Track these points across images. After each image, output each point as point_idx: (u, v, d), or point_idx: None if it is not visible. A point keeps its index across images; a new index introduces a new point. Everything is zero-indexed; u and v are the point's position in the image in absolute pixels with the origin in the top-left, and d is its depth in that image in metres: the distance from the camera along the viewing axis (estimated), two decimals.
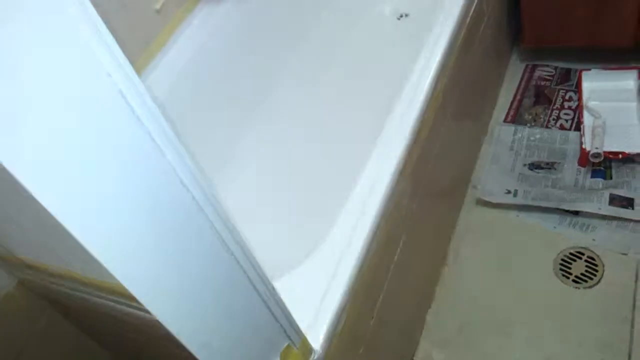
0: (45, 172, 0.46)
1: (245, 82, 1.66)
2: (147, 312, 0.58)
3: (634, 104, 1.67)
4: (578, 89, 1.75)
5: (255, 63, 1.70)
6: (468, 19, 1.44)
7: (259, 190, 1.60)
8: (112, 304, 0.79)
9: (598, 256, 1.47)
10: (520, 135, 1.75)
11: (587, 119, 1.68)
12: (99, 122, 0.49)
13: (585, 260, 1.47)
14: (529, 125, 1.76)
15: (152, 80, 1.41)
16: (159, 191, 0.55)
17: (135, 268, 0.55)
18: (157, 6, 1.44)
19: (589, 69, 1.76)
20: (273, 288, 0.76)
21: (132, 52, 1.40)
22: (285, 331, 0.81)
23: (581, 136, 1.64)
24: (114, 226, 0.52)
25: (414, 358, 1.42)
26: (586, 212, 1.53)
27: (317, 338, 0.93)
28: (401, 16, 1.95)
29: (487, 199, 1.62)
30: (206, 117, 1.55)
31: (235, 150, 1.64)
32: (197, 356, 0.65)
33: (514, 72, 1.90)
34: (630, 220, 1.49)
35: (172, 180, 0.57)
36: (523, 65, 1.91)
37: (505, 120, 1.80)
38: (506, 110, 1.82)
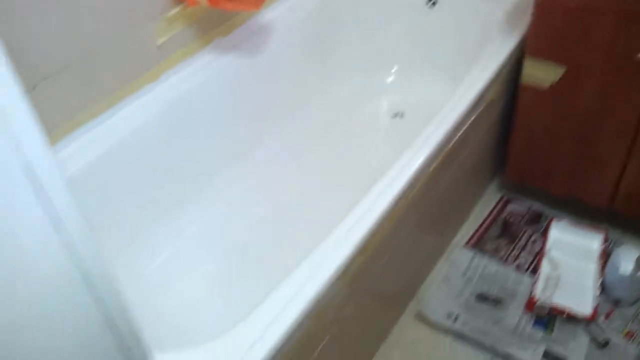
0: None
1: (219, 139, 1.65)
2: None
3: (593, 266, 1.68)
4: (544, 235, 1.76)
5: (237, 123, 1.70)
6: (450, 145, 1.45)
7: (201, 247, 1.60)
8: None
9: None
10: (476, 263, 1.74)
11: (544, 267, 1.68)
12: None
13: None
14: (488, 255, 1.76)
15: (128, 111, 1.41)
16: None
17: None
18: (159, 42, 1.44)
19: (560, 219, 1.77)
20: None
21: (120, 81, 1.40)
22: None
23: (534, 282, 1.63)
24: None
25: None
26: (517, 359, 1.51)
27: None
28: (396, 115, 1.97)
29: (427, 315, 1.60)
30: (169, 160, 1.54)
31: (185, 204, 1.63)
32: None
33: (489, 200, 1.91)
34: None
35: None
36: (499, 196, 1.92)
37: (466, 244, 1.79)
38: (470, 234, 1.82)
